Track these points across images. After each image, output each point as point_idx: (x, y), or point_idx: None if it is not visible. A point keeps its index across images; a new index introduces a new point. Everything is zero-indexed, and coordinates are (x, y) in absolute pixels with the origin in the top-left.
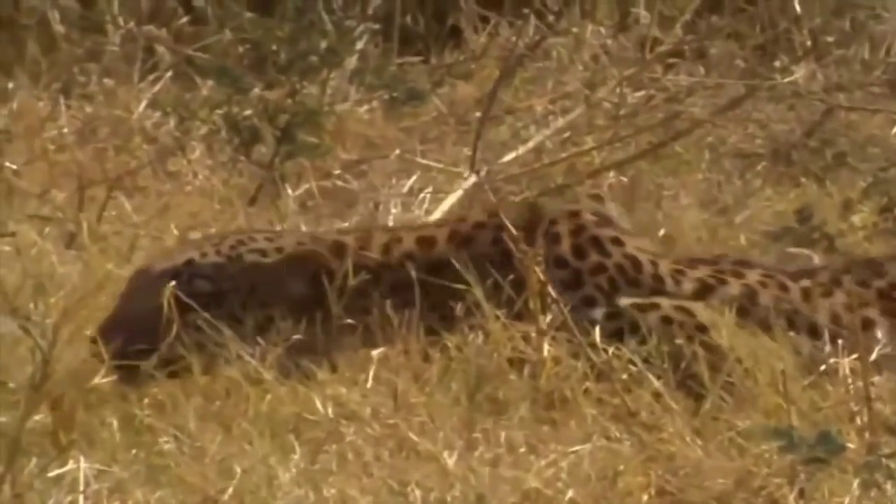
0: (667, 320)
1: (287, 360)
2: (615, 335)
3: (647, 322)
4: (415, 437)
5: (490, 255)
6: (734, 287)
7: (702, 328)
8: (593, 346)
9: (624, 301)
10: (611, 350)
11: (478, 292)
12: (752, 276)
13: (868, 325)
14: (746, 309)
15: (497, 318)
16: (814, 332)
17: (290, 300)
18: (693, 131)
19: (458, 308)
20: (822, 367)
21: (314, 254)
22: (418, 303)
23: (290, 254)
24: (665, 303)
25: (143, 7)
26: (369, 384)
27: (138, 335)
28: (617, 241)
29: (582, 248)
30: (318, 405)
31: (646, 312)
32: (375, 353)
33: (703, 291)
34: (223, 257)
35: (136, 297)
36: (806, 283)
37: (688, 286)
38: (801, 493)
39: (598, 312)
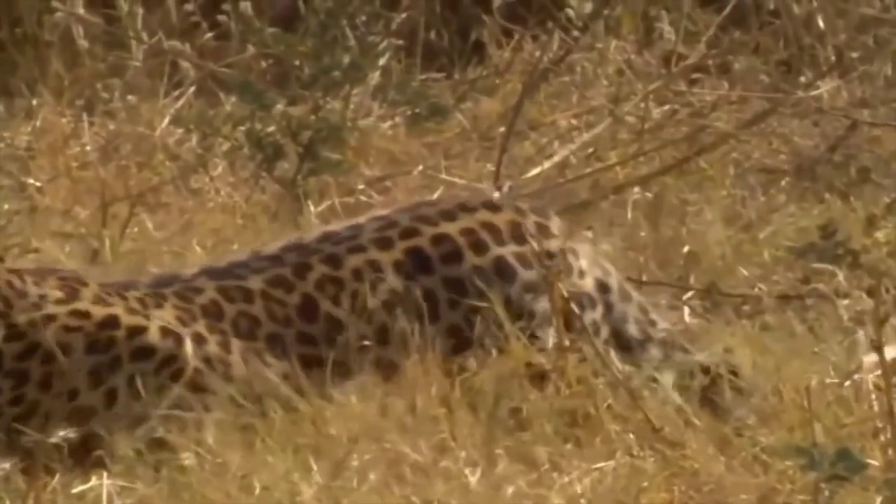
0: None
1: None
2: None
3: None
4: (436, 455)
5: None
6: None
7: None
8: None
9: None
10: (628, 367)
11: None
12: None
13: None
14: None
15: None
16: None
17: None
18: (717, 146)
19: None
20: (847, 383)
21: None
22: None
23: None
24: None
25: (167, 23)
26: (390, 400)
27: None
28: None
29: None
30: (340, 422)
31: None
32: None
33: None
34: None
35: None
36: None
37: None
38: None
39: None
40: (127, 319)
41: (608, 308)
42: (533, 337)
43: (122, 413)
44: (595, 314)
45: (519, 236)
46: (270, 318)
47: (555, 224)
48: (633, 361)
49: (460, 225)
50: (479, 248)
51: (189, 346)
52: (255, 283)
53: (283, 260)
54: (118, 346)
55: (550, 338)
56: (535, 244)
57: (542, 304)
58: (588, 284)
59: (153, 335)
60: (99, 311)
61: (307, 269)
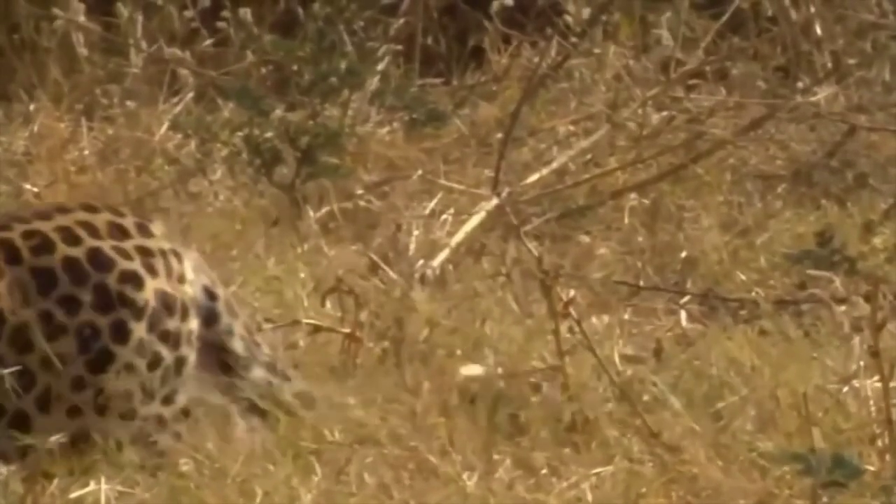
0: None
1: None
2: None
3: None
4: (434, 459)
5: None
6: None
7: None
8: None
9: None
10: (630, 371)
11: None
12: None
13: None
14: None
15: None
16: None
17: None
18: (714, 152)
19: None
20: (845, 389)
21: None
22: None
23: None
24: None
25: (166, 29)
26: (389, 406)
27: None
28: None
29: None
30: (339, 427)
31: None
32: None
33: None
34: None
35: None
36: None
37: None
38: None
39: None
40: None
41: (213, 317)
42: (125, 328)
43: None
44: (189, 325)
45: (118, 234)
46: None
47: (156, 227)
48: (236, 382)
49: (55, 223)
50: (74, 241)
51: None
52: None
53: None
54: None
55: (142, 331)
56: (135, 241)
57: (143, 295)
58: (188, 292)
59: None
60: None
61: None
